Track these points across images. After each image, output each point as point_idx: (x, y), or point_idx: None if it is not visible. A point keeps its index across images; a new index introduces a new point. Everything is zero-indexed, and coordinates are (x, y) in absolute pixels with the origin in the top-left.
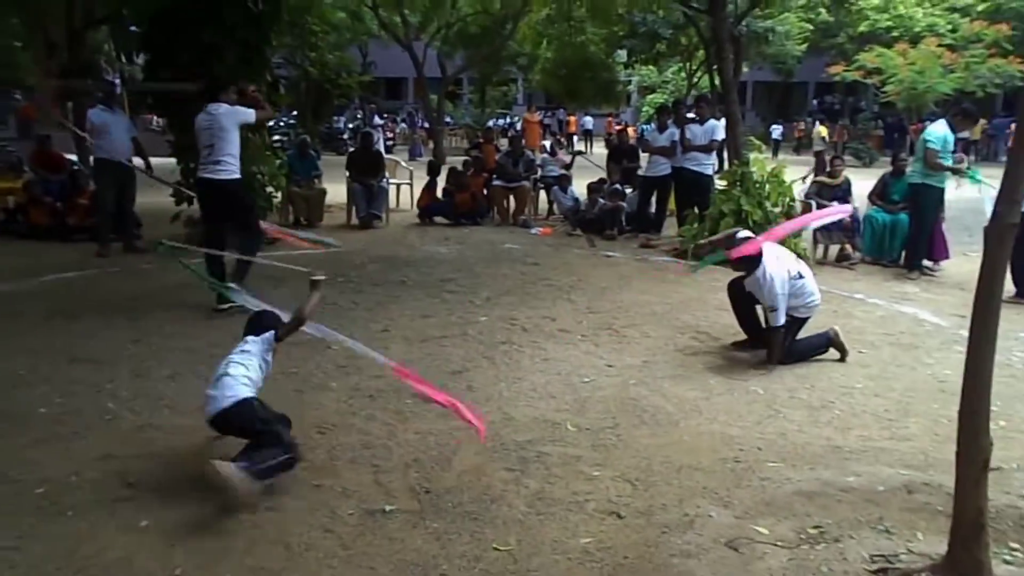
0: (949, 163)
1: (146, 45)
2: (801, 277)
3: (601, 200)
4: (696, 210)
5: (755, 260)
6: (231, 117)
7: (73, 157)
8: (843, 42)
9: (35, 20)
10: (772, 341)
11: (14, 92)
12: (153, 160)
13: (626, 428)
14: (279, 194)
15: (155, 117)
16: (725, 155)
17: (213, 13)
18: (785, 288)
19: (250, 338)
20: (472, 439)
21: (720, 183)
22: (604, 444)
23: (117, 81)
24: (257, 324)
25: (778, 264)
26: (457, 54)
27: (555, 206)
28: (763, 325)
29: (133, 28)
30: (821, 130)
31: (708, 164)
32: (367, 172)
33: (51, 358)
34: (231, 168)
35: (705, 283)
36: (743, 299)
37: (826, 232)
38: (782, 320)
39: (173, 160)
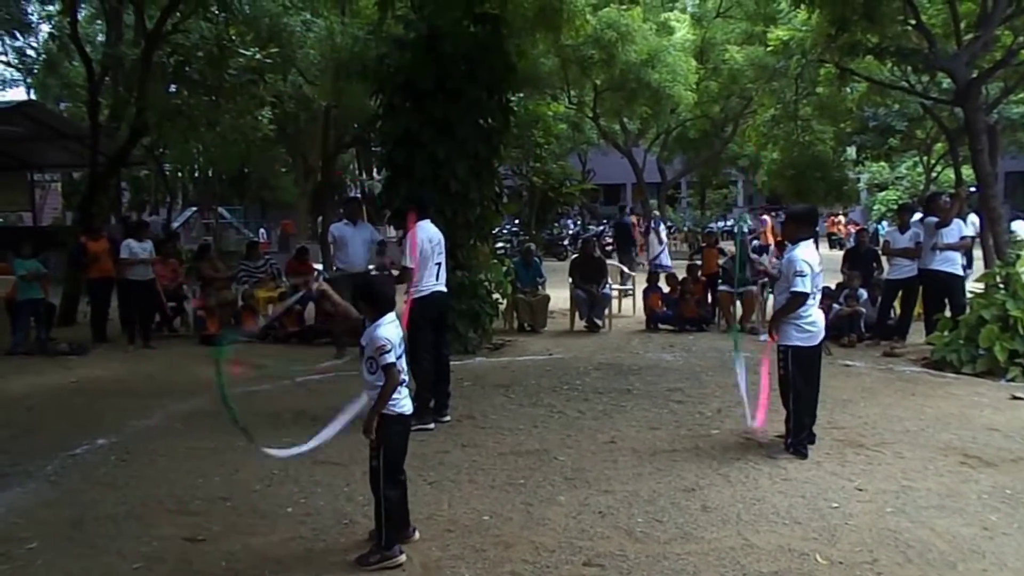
0: None
1: (387, 162)
2: None
3: (836, 306)
4: (948, 315)
5: None
6: None
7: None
8: None
9: (296, 149)
10: None
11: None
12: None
13: (888, 566)
14: (504, 301)
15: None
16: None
17: (447, 131)
18: None
19: None
20: (711, 565)
21: (976, 286)
22: None
23: (358, 195)
24: None
25: None
26: (676, 158)
27: None
28: None
29: (375, 148)
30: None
31: (959, 264)
32: (590, 278)
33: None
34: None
35: (965, 397)
36: None
37: None
38: None
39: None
